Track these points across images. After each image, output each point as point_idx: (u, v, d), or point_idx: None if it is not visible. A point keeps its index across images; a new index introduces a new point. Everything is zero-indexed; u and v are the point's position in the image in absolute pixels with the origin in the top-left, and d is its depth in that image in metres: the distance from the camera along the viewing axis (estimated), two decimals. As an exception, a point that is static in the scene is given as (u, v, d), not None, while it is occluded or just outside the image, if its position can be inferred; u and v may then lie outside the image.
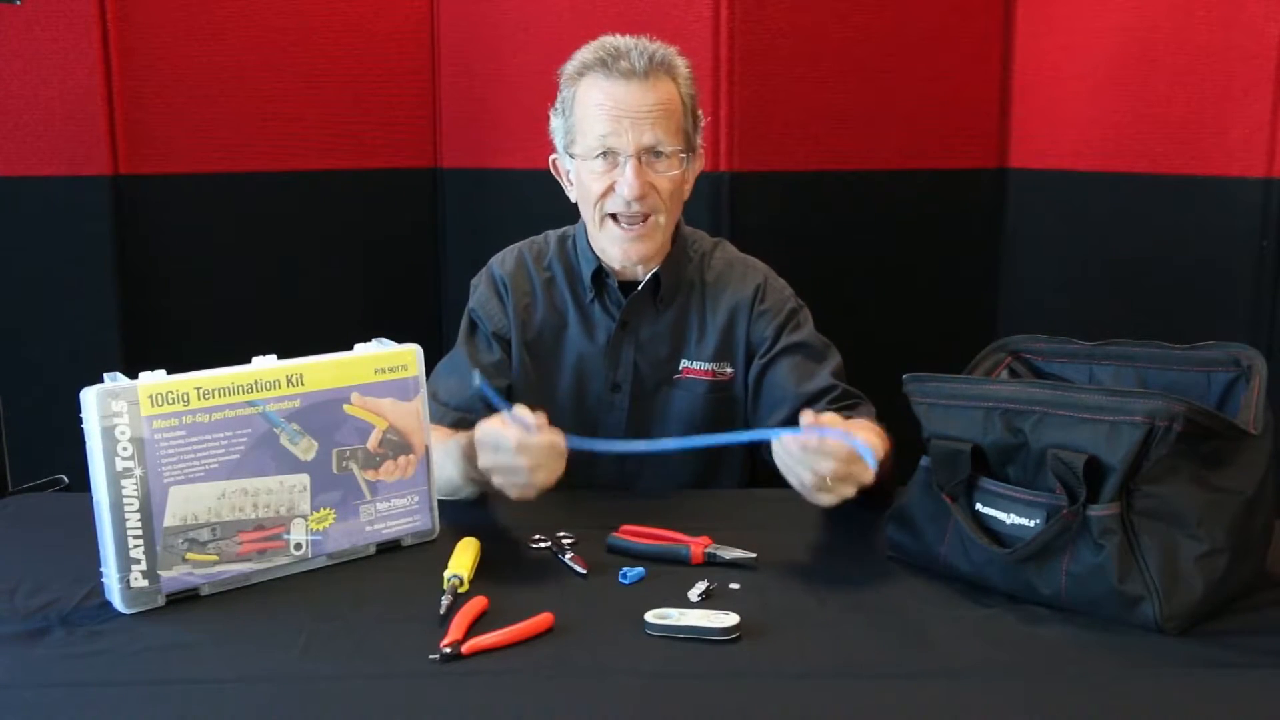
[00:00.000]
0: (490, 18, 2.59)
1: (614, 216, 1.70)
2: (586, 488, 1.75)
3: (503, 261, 1.84)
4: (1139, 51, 2.25)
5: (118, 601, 1.24)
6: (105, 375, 1.25)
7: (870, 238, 2.54)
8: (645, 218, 1.69)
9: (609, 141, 1.65)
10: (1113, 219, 2.34)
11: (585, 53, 1.70)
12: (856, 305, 2.49)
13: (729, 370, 1.78)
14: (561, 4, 2.49)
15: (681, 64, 1.72)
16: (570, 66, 1.72)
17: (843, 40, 2.43)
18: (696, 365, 1.78)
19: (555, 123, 1.76)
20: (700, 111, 1.75)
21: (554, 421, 1.77)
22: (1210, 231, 2.19)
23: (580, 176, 1.71)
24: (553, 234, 1.87)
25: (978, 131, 2.53)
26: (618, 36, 1.71)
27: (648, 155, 1.66)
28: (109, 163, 2.43)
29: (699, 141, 1.75)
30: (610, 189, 1.68)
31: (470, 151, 2.69)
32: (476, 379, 1.57)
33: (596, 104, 1.66)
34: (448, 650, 1.13)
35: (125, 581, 1.24)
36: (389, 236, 2.73)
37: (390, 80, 2.65)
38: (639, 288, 1.77)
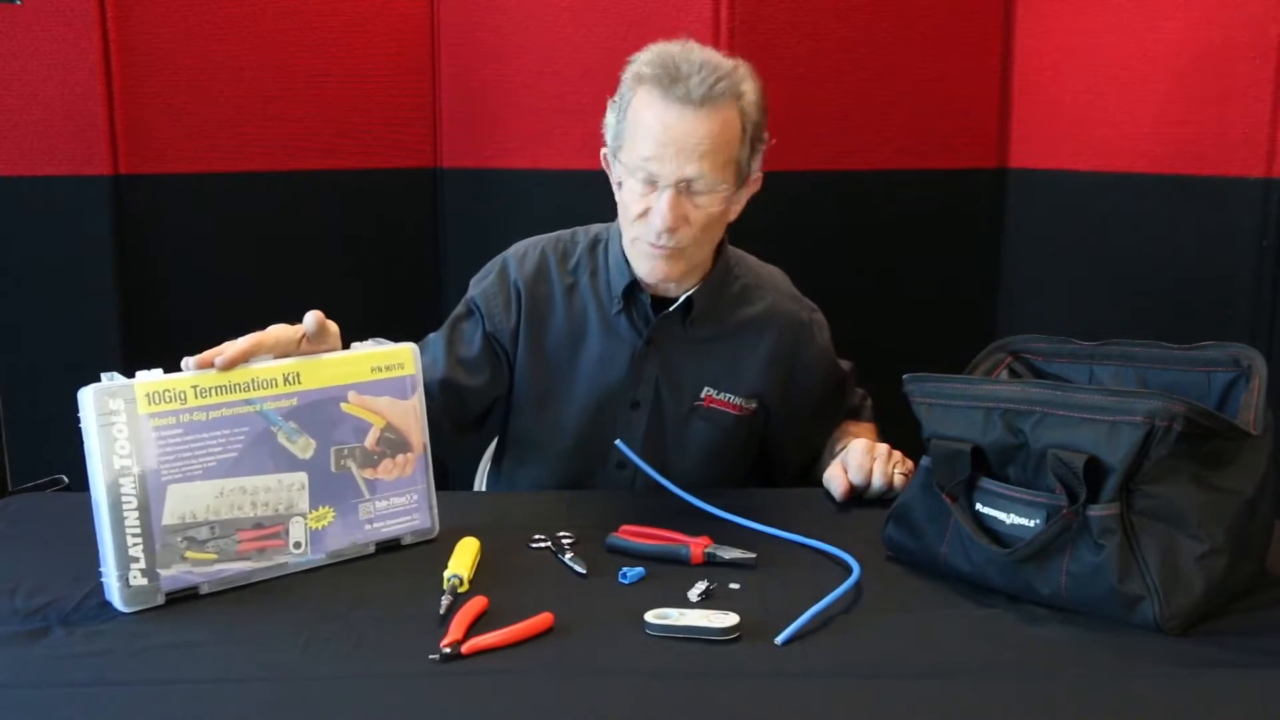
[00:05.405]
0: (490, 18, 2.59)
1: None
2: (587, 488, 1.76)
3: (522, 260, 1.77)
4: (1139, 51, 2.25)
5: (117, 600, 1.24)
6: (103, 374, 1.25)
7: (870, 238, 2.53)
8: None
9: (651, 166, 1.57)
10: (1113, 219, 2.34)
11: (650, 59, 1.61)
12: (856, 305, 2.48)
13: (753, 405, 1.77)
14: (561, 3, 2.49)
15: (749, 88, 1.61)
16: (634, 66, 1.63)
17: (843, 40, 2.43)
18: (724, 397, 1.75)
19: (609, 117, 1.67)
20: (765, 135, 1.66)
21: (565, 434, 1.76)
22: (1210, 231, 2.19)
23: (623, 187, 1.65)
24: (583, 234, 1.80)
25: (978, 131, 2.52)
26: (688, 47, 1.61)
27: (686, 185, 1.58)
28: (109, 163, 2.42)
29: (755, 167, 1.66)
30: (646, 213, 1.61)
31: (470, 151, 2.69)
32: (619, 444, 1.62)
33: (647, 125, 1.58)
34: (448, 650, 1.13)
35: (125, 580, 1.23)
36: (389, 236, 2.72)
37: (390, 80, 2.65)
38: (671, 307, 1.71)
